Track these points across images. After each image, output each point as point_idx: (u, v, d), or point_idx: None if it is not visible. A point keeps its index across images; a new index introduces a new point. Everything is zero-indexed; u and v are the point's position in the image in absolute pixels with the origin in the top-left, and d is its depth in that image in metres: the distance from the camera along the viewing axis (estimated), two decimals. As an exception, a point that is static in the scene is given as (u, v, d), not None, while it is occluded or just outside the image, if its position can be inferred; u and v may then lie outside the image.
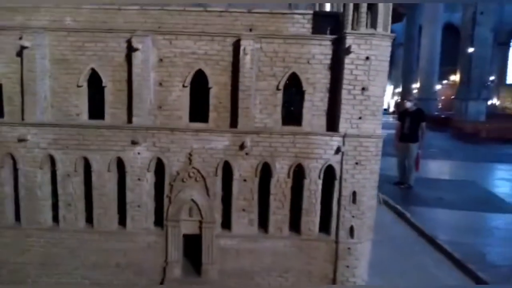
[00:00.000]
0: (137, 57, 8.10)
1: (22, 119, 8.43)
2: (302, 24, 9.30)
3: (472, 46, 43.12)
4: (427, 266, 10.59)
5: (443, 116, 48.86)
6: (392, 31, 8.26)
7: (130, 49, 8.24)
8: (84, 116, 8.59)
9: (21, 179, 8.37)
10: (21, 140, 8.21)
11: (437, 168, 23.57)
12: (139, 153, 8.28)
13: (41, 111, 8.30)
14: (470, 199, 17.14)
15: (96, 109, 8.61)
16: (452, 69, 56.65)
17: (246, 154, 8.23)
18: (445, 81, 63.49)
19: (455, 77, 53.72)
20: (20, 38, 8.25)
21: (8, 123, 8.24)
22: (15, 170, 8.47)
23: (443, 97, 62.78)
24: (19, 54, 8.35)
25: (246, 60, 8.06)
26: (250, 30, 9.21)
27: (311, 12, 9.49)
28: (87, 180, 8.46)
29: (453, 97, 55.84)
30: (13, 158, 8.35)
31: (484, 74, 45.07)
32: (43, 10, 9.49)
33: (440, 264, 10.72)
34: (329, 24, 8.97)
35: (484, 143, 34.93)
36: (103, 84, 8.38)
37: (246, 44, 8.01)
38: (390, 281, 9.38)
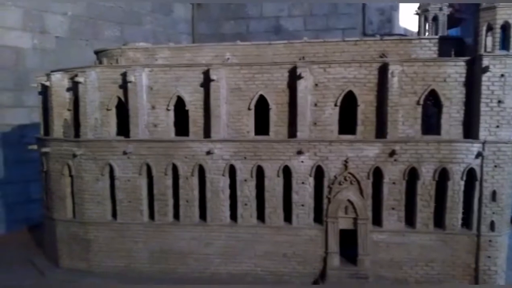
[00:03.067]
0: (301, 84, 9.88)
1: (205, 137, 10.47)
2: (428, 47, 10.79)
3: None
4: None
5: None
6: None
7: (293, 78, 10.05)
8: (252, 133, 10.45)
9: (208, 184, 10.36)
10: (209, 153, 10.20)
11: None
12: (302, 162, 10.00)
13: (222, 130, 10.28)
14: None
15: (260, 127, 10.47)
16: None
17: (395, 160, 9.72)
18: None
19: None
20: (204, 73, 10.30)
21: (199, 140, 10.28)
22: (201, 178, 10.46)
23: None
24: (202, 85, 10.42)
25: (394, 81, 9.59)
26: (383, 55, 10.82)
27: (437, 37, 10.94)
28: (259, 184, 10.28)
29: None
30: (201, 168, 10.35)
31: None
32: (206, 48, 11.66)
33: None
34: (453, 46, 10.34)
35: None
36: (270, 107, 10.23)
37: (394, 68, 9.55)
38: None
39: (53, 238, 11.42)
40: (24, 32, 15.63)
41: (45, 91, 11.75)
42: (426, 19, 14.46)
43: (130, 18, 19.50)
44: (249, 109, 10.35)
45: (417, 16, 14.93)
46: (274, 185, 10.17)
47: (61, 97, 11.10)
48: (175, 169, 10.49)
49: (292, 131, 10.24)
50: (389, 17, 21.75)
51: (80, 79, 10.44)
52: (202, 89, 10.46)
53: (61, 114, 11.14)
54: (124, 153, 10.47)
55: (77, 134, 11.14)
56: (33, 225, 15.08)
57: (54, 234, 11.33)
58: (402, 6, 22.04)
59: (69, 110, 11.20)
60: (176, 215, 10.67)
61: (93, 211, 10.82)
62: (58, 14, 16.52)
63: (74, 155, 10.68)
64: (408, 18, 22.80)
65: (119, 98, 10.71)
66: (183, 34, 22.22)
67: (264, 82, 10.26)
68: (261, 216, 10.41)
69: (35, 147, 12.02)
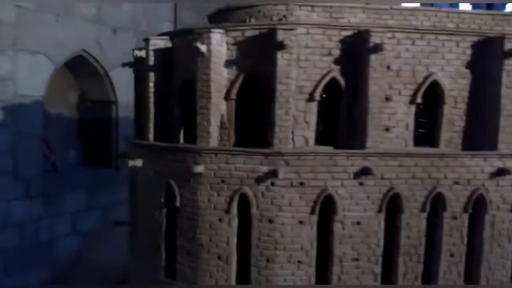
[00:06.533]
0: None
1: (465, 149, 6.53)
2: None
3: None
4: None
5: None
6: None
7: None
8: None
9: (486, 227, 6.37)
10: (496, 175, 6.27)
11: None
12: None
13: (502, 138, 6.45)
14: None
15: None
16: None
17: None
18: None
19: None
20: (474, 46, 6.44)
21: (483, 154, 6.27)
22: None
23: None
24: (470, 65, 6.51)
25: None
26: None
27: None
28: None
29: None
30: (481, 200, 6.34)
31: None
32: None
33: None
34: None
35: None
36: None
37: None
38: None
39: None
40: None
41: (165, 64, 6.82)
42: None
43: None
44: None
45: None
46: None
47: (219, 76, 6.28)
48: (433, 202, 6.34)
49: None
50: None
51: (286, 40, 5.79)
52: (468, 71, 6.55)
53: (218, 106, 6.29)
54: (359, 175, 6.03)
55: (239, 142, 6.39)
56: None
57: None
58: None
59: (230, 99, 6.38)
60: (427, 279, 6.47)
61: (288, 278, 6.10)
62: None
63: (259, 179, 5.93)
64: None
65: (335, 80, 6.27)
66: (165, 22, 17.32)
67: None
68: None
69: (139, 162, 6.86)
